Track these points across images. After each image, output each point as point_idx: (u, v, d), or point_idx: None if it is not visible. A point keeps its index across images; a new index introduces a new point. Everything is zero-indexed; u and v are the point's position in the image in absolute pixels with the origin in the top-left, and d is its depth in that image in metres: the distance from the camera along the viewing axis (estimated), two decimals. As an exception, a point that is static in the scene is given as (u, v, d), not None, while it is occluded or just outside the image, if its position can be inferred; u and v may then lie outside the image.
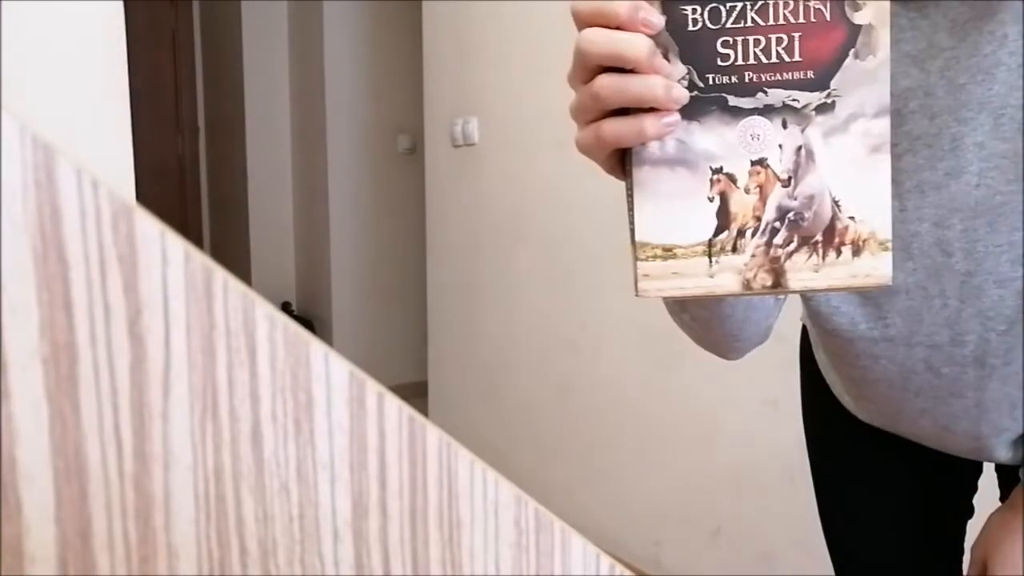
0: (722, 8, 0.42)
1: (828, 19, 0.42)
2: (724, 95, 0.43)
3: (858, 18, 0.42)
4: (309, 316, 4.13)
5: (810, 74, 0.43)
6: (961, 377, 0.68)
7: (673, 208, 0.44)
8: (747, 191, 0.44)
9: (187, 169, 4.06)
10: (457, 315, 2.86)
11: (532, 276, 2.49)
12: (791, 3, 0.42)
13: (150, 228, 0.25)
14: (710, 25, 0.42)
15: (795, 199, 0.44)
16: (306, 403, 0.28)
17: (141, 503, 0.27)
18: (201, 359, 0.27)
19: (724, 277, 0.44)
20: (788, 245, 0.44)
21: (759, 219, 0.44)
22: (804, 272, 0.44)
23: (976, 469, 0.87)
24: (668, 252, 0.45)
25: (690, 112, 0.43)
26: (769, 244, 0.44)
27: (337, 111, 3.82)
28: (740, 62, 0.42)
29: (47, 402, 0.25)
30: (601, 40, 0.42)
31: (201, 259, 0.26)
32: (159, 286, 0.26)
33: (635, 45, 0.41)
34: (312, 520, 0.29)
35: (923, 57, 0.60)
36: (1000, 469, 0.83)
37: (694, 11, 0.42)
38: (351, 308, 3.94)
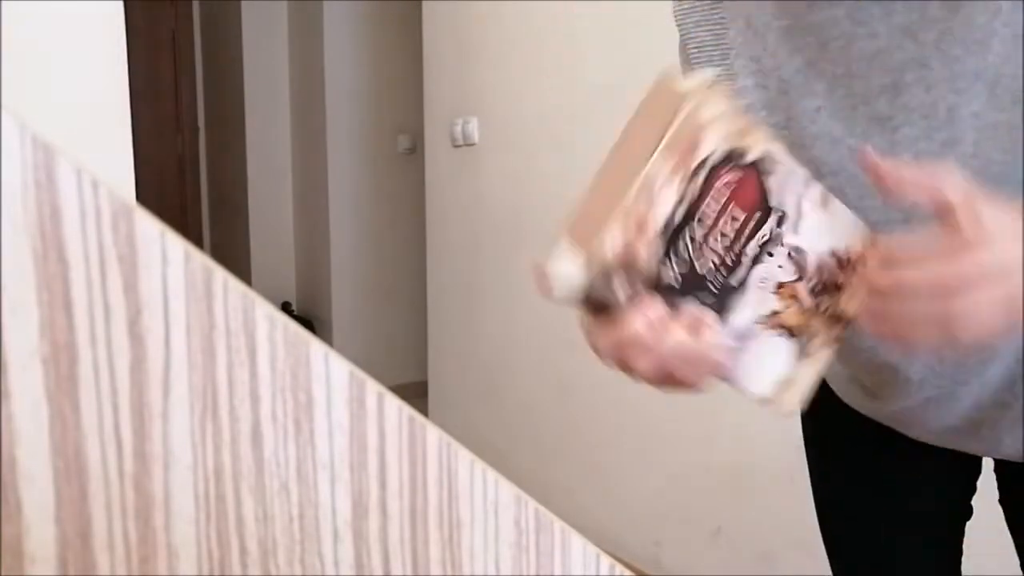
0: (680, 246, 0.51)
1: (741, 177, 0.51)
2: (729, 284, 0.53)
3: (751, 155, 0.51)
4: (309, 316, 4.13)
5: (757, 214, 0.53)
6: (963, 363, 0.68)
7: (766, 364, 0.56)
8: (788, 308, 0.55)
9: (187, 169, 4.06)
10: (457, 315, 2.86)
11: (532, 276, 2.49)
12: (711, 195, 0.51)
13: (150, 228, 0.25)
14: (681, 269, 0.51)
15: (813, 279, 0.55)
16: (306, 403, 0.28)
17: (141, 503, 0.27)
18: (201, 359, 0.27)
19: (821, 354, 0.57)
20: (830, 299, 0.56)
21: (805, 311, 0.56)
22: (849, 301, 0.57)
23: (975, 469, 0.87)
24: (784, 384, 0.57)
25: (723, 310, 0.53)
26: (818, 308, 0.56)
27: (337, 111, 3.82)
28: (719, 260, 0.52)
29: (47, 402, 0.25)
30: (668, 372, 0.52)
31: (201, 259, 0.26)
32: (159, 286, 0.26)
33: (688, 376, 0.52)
34: (312, 520, 0.29)
35: (916, 29, 0.60)
36: (999, 469, 0.83)
37: (667, 270, 0.51)
38: (351, 308, 3.94)
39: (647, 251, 0.50)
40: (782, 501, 1.80)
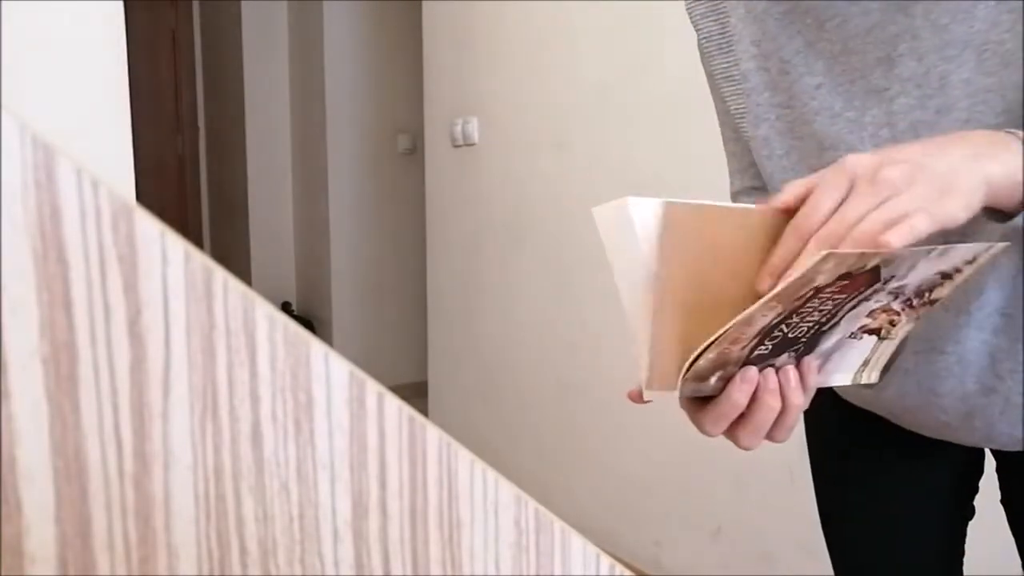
0: (775, 333, 0.52)
1: (850, 282, 0.50)
2: (822, 331, 0.54)
3: (869, 265, 0.50)
4: (309, 316, 4.13)
5: (865, 290, 0.52)
6: (940, 322, 0.68)
7: (847, 360, 0.59)
8: (878, 319, 0.57)
9: (187, 169, 4.06)
10: (457, 315, 2.86)
11: (532, 276, 2.49)
12: (816, 302, 0.51)
13: (150, 228, 0.25)
14: (773, 342, 0.52)
15: (911, 297, 0.56)
16: (306, 403, 0.28)
17: (141, 503, 0.27)
18: (201, 359, 0.27)
19: (902, 331, 0.60)
20: (926, 299, 0.58)
21: (896, 316, 0.58)
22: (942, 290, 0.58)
23: (977, 469, 0.87)
24: (863, 366, 0.61)
25: (811, 350, 0.55)
26: (914, 310, 0.58)
27: (337, 111, 3.82)
28: (815, 322, 0.53)
29: (47, 402, 0.25)
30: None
31: (201, 259, 0.26)
32: (159, 286, 0.26)
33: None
34: (312, 520, 0.29)
35: (906, 3, 0.62)
36: (1000, 469, 0.83)
37: (761, 347, 0.52)
38: (351, 308, 3.94)
39: (740, 350, 0.51)
40: (782, 501, 1.80)
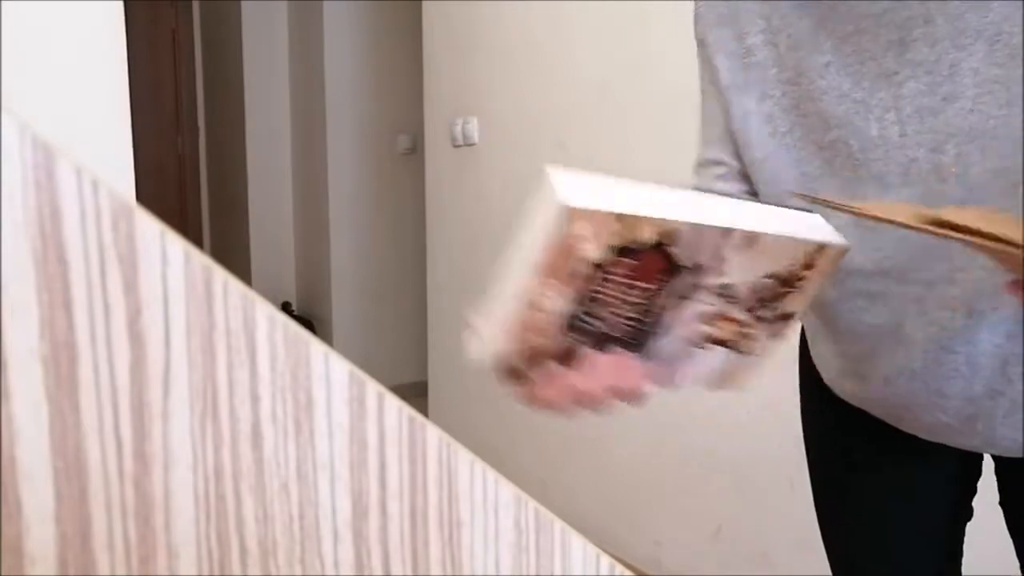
0: (584, 326, 0.51)
1: (639, 263, 0.49)
2: (647, 332, 0.54)
3: (646, 241, 0.49)
4: (309, 316, 4.13)
5: (665, 278, 0.51)
6: (950, 324, 0.68)
7: (704, 369, 0.61)
8: (722, 329, 0.58)
9: (187, 169, 4.06)
10: (457, 315, 2.86)
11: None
12: (610, 285, 0.50)
13: (150, 228, 0.25)
14: (590, 338, 0.52)
15: (749, 302, 0.57)
16: (306, 403, 0.28)
17: (141, 503, 0.27)
18: (201, 359, 0.27)
19: (763, 346, 0.61)
20: (773, 308, 0.58)
21: (742, 326, 0.58)
22: (794, 302, 0.59)
23: (975, 470, 0.87)
24: (726, 377, 0.63)
25: (643, 350, 0.55)
26: (759, 319, 0.58)
27: (337, 111, 3.82)
28: (634, 320, 0.52)
29: (47, 402, 0.25)
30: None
31: (201, 259, 0.26)
32: (159, 286, 0.26)
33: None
34: (312, 520, 0.29)
35: None
36: (999, 471, 0.83)
37: (577, 342, 0.51)
38: (351, 308, 3.94)
39: (553, 342, 0.50)
40: (782, 501, 1.80)
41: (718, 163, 0.81)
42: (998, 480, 0.83)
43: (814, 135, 0.70)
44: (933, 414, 0.73)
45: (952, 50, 0.62)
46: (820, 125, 0.69)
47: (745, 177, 0.79)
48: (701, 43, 0.80)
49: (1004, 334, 0.67)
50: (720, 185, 0.81)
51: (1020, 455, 0.72)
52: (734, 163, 0.80)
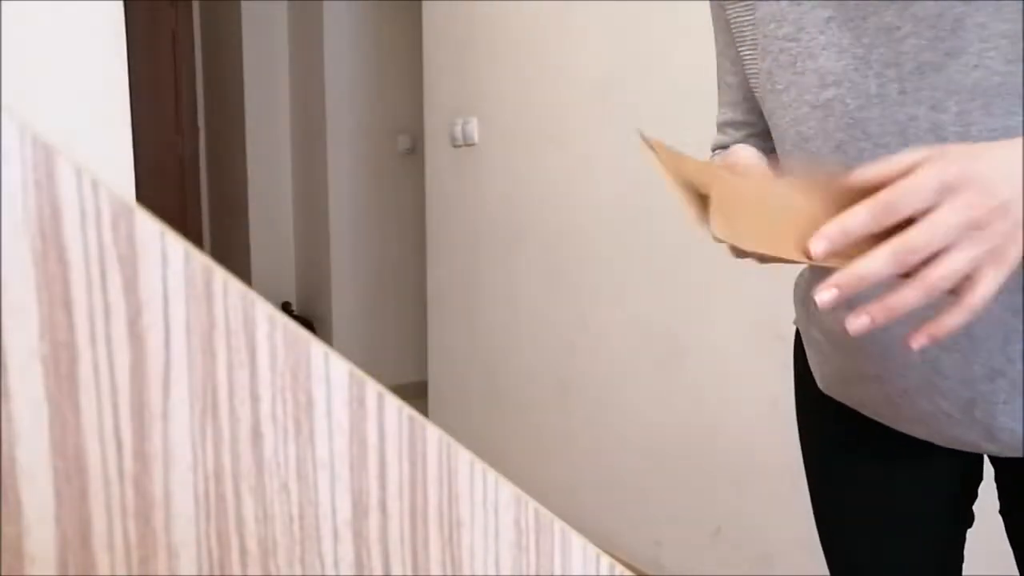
0: None
1: None
2: None
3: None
4: (309, 316, 4.13)
5: None
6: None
7: None
8: None
9: (187, 169, 4.06)
10: (457, 315, 2.86)
11: (532, 276, 2.49)
12: None
13: (150, 228, 0.25)
14: None
15: None
16: (306, 403, 0.28)
17: (141, 503, 0.27)
18: (201, 359, 0.27)
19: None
20: None
21: None
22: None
23: (976, 475, 0.86)
24: None
25: None
26: None
27: (337, 111, 3.82)
28: None
29: (47, 402, 0.25)
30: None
31: (201, 259, 0.26)
32: (159, 286, 0.26)
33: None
34: (312, 520, 0.29)
35: None
36: (999, 478, 0.82)
37: None
38: (351, 308, 3.94)
39: None
40: (782, 501, 1.80)
41: (740, 124, 0.84)
42: (998, 488, 0.82)
43: (807, 95, 0.69)
44: (932, 399, 0.72)
45: (958, 4, 0.61)
46: (816, 83, 0.69)
47: (759, 135, 0.82)
48: (719, 4, 0.80)
49: (1010, 308, 0.65)
50: (736, 143, 0.83)
51: (1020, 454, 0.71)
52: (750, 119, 0.83)
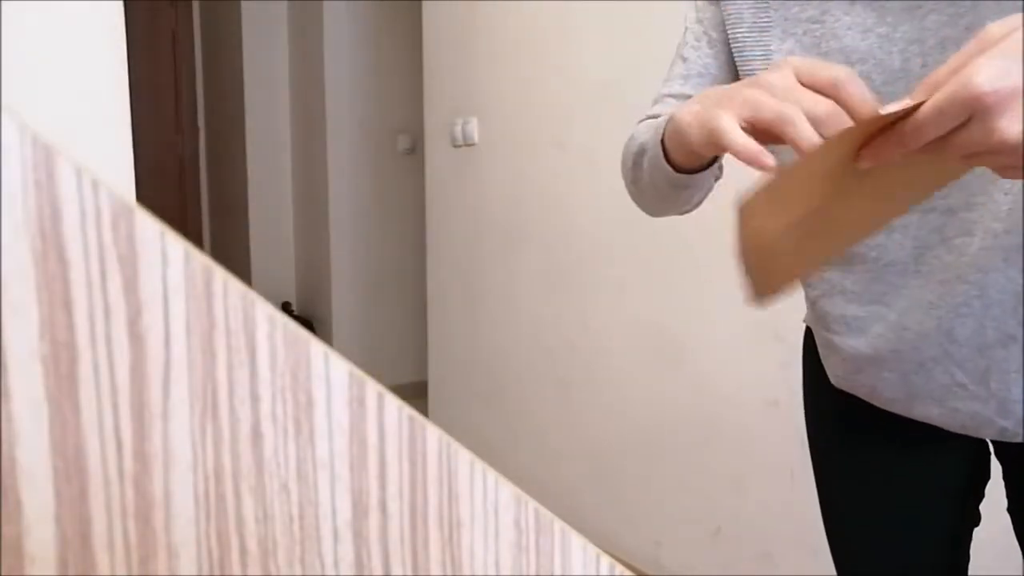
0: None
1: None
2: None
3: None
4: (309, 316, 4.13)
5: None
6: (967, 250, 0.69)
7: None
8: None
9: (187, 169, 4.06)
10: (457, 315, 2.86)
11: (532, 276, 2.49)
12: None
13: (150, 228, 0.25)
14: None
15: None
16: (306, 403, 0.28)
17: (141, 503, 0.27)
18: (201, 359, 0.27)
19: None
20: None
21: None
22: None
23: (984, 473, 0.86)
24: None
25: None
26: None
27: (337, 111, 3.82)
28: None
29: (47, 402, 0.25)
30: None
31: (201, 259, 0.26)
32: (159, 286, 0.26)
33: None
34: (312, 520, 0.29)
35: None
36: (1007, 475, 0.82)
37: None
38: (351, 308, 3.94)
39: None
40: (782, 501, 1.80)
41: (678, 96, 0.83)
42: (1006, 483, 0.83)
43: None
44: (948, 369, 0.73)
45: None
46: (841, 62, 0.71)
47: None
48: None
49: (1020, 266, 0.67)
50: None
51: None
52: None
